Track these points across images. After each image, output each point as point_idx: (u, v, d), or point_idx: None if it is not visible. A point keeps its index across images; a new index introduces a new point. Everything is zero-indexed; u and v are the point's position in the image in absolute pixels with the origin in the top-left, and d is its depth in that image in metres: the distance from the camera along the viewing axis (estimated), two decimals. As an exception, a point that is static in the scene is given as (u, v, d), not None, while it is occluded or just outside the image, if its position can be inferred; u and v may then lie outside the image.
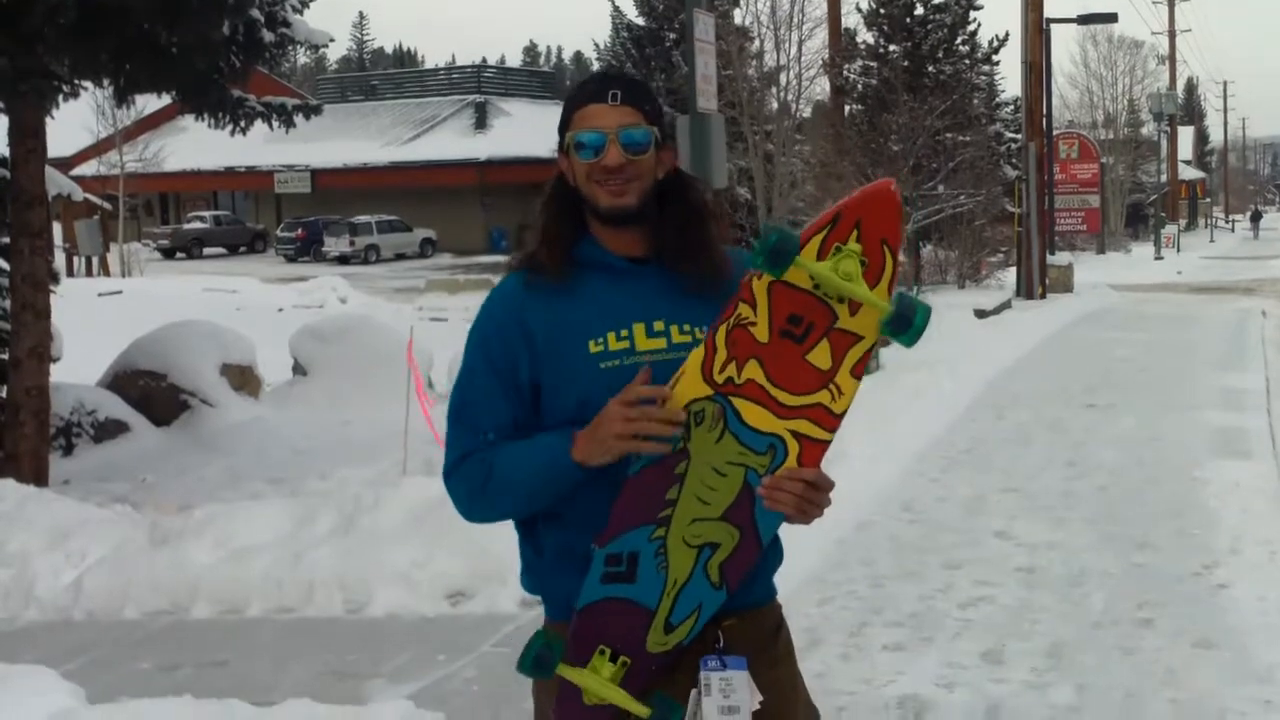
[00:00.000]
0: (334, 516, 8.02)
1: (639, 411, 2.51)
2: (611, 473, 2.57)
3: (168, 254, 54.00)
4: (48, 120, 10.43)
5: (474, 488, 2.70)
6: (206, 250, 55.91)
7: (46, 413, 10.41)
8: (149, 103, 17.54)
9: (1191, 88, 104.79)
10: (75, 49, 9.70)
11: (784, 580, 2.84)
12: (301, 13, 11.21)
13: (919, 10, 32.03)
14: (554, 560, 2.70)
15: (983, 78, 34.99)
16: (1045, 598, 7.26)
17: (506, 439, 2.68)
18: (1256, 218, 77.08)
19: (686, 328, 2.66)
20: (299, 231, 53.82)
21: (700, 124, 12.70)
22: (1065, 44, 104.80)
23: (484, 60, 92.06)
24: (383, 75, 77.59)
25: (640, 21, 36.47)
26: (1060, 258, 30.73)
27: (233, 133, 11.73)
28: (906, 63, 30.34)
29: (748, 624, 2.71)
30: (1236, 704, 5.67)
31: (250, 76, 11.27)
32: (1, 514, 8.29)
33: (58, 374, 11.10)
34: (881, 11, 31.79)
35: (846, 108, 30.57)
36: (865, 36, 32.21)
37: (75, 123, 35.88)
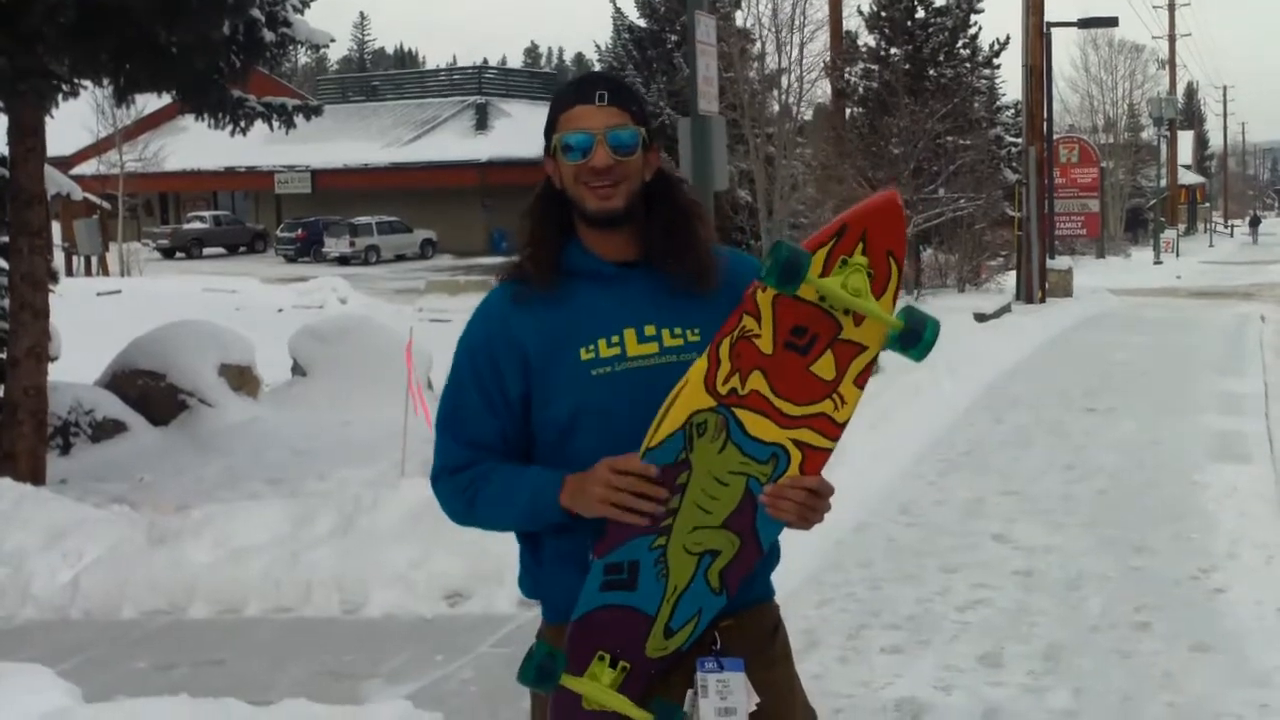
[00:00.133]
0: (332, 517, 8.02)
1: (625, 481, 2.50)
2: None
3: (167, 254, 54.01)
4: (47, 119, 10.42)
5: (457, 509, 2.74)
6: (206, 250, 55.88)
7: (44, 412, 10.40)
8: (149, 102, 17.56)
9: (1191, 92, 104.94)
10: (75, 48, 9.70)
11: (782, 582, 2.84)
12: (302, 13, 11.21)
13: (920, 14, 32.04)
14: (553, 563, 2.69)
15: (983, 81, 35.00)
16: (1043, 601, 7.25)
17: (494, 455, 2.68)
18: (1255, 223, 77.19)
19: (678, 331, 2.65)
20: (299, 232, 53.81)
21: (701, 126, 12.70)
22: (1066, 48, 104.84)
23: (485, 61, 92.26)
24: (383, 76, 77.57)
25: (642, 23, 36.51)
26: (1060, 262, 30.73)
27: (233, 133, 11.73)
28: (907, 66, 30.36)
29: (745, 625, 2.70)
30: (1233, 707, 5.67)
31: (250, 76, 11.28)
32: (-1, 513, 8.29)
33: (56, 373, 11.09)
34: (883, 15, 31.80)
35: (847, 111, 30.61)
36: (866, 39, 32.25)
37: (75, 122, 35.89)
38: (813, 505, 2.56)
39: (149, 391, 12.78)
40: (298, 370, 14.49)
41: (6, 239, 10.36)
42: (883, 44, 31.97)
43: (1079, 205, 41.77)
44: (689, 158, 12.72)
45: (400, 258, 52.83)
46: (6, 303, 10.39)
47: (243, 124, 11.53)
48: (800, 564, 7.48)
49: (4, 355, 10.44)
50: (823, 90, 29.47)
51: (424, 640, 6.80)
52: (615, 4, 37.06)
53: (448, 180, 54.64)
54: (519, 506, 2.63)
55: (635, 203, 2.66)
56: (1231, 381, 15.54)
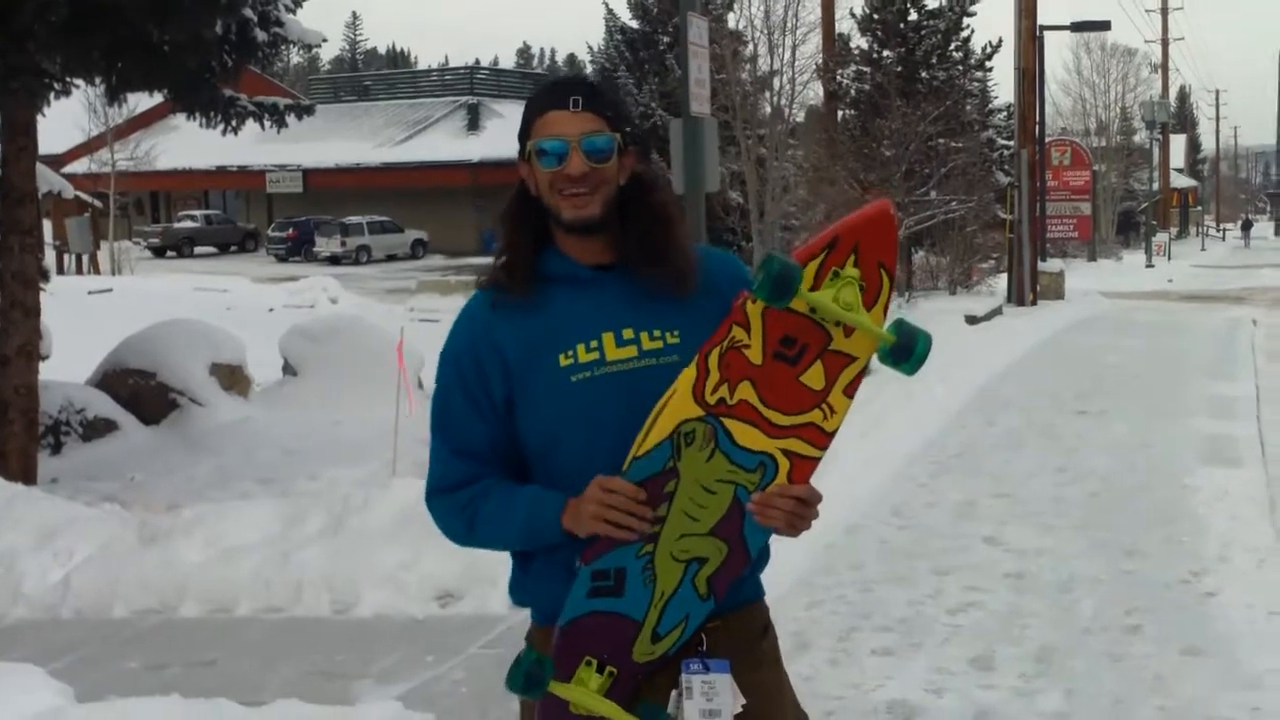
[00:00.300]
0: (323, 517, 8.01)
1: (617, 500, 2.51)
2: None
3: (158, 252, 53.97)
4: (39, 118, 10.41)
5: (456, 529, 2.74)
6: (197, 249, 55.82)
7: (35, 411, 10.38)
8: (140, 101, 17.48)
9: (1184, 96, 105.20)
10: (67, 46, 9.69)
11: (772, 584, 2.84)
12: (294, 12, 11.21)
13: (913, 16, 32.02)
14: (541, 568, 2.68)
15: (976, 84, 35.00)
16: (1034, 603, 7.26)
17: (485, 464, 2.67)
18: (1247, 226, 77.37)
19: (657, 333, 2.63)
20: (290, 231, 53.74)
21: (693, 128, 12.70)
22: (1059, 51, 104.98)
23: (477, 61, 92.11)
24: (375, 76, 77.57)
25: (634, 24, 36.51)
26: (1052, 264, 30.76)
27: (224, 132, 11.71)
28: (900, 68, 30.33)
29: (732, 626, 2.69)
30: (1225, 711, 5.68)
31: (242, 76, 11.27)
32: (-10, 512, 8.27)
33: (47, 372, 11.07)
34: (875, 17, 31.79)
35: (840, 113, 30.60)
36: (859, 42, 32.23)
37: (67, 120, 35.88)
38: (801, 513, 2.56)
39: (140, 390, 12.76)
40: (288, 370, 14.48)
41: (-2, 237, 10.35)
42: (875, 46, 31.96)
43: (1071, 208, 41.81)
44: (680, 159, 12.73)
45: (391, 258, 52.79)
46: (-2, 301, 10.37)
47: (234, 123, 11.52)
48: (791, 566, 7.48)
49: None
50: (815, 92, 29.44)
51: (415, 641, 6.80)
52: (607, 5, 37.07)
53: (439, 180, 54.67)
54: (516, 525, 2.63)
55: (611, 209, 2.65)
56: (1223, 385, 15.55)
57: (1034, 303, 27.19)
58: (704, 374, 2.53)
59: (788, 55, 26.25)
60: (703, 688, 2.60)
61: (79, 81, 11.31)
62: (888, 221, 2.51)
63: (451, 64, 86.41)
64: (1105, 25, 33.35)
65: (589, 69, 48.62)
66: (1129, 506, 9.52)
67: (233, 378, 13.59)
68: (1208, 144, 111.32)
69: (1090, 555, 8.21)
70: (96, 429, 12.06)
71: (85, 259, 38.10)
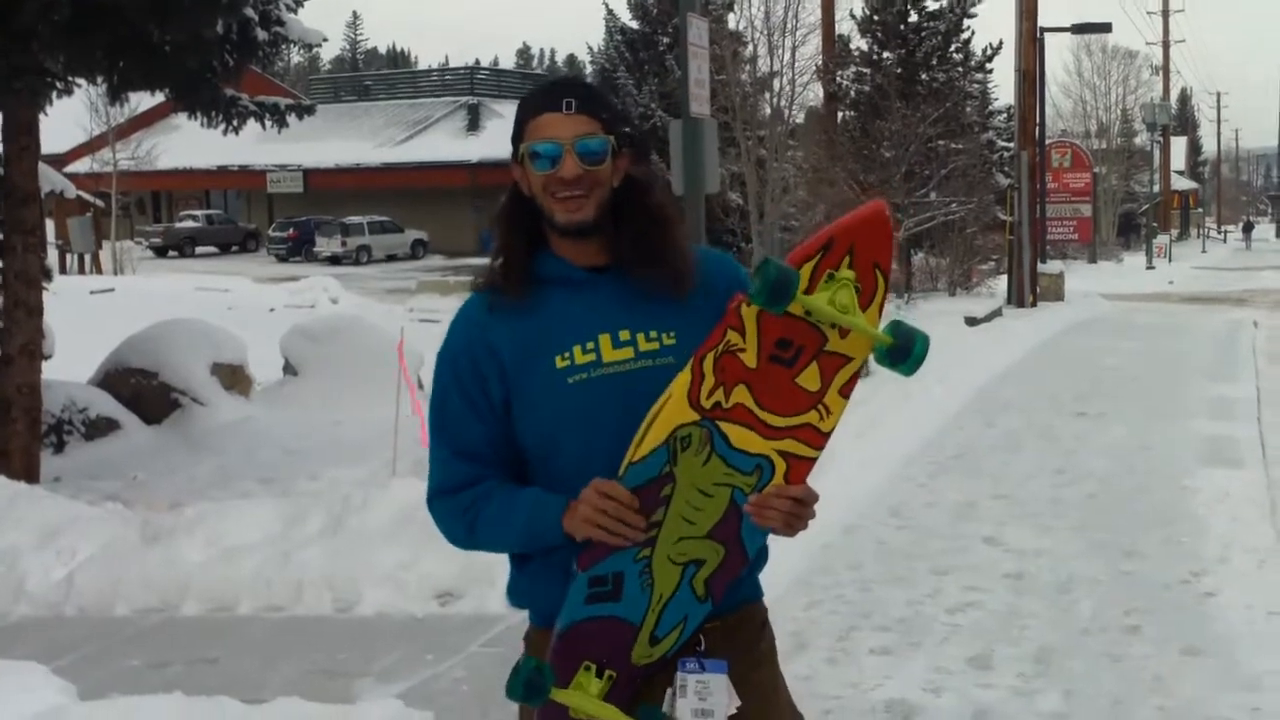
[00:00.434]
0: (324, 516, 8.03)
1: (610, 506, 2.51)
2: None
3: (160, 252, 53.99)
4: (41, 117, 10.42)
5: (457, 532, 2.73)
6: (199, 249, 55.84)
7: (38, 410, 10.40)
8: (142, 100, 17.50)
9: (1185, 98, 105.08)
10: (69, 46, 9.70)
11: (770, 584, 2.85)
12: (295, 12, 11.21)
13: (913, 18, 32.05)
14: (539, 570, 2.69)
15: (976, 86, 35.03)
16: (1033, 604, 7.27)
17: (485, 465, 2.68)
18: (1248, 228, 77.36)
19: (653, 334, 2.63)
20: (291, 231, 53.74)
21: (693, 129, 12.71)
22: (1059, 53, 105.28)
23: (477, 62, 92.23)
24: (376, 76, 77.55)
25: (634, 25, 36.56)
26: (1052, 266, 30.76)
27: (225, 132, 11.71)
28: (900, 70, 30.37)
29: (730, 626, 2.69)
30: (1224, 711, 5.69)
31: (243, 75, 11.27)
32: (-8, 511, 8.29)
33: (49, 371, 11.08)
34: (875, 18, 31.82)
35: (839, 114, 30.62)
36: (859, 43, 32.27)
37: (69, 119, 35.85)
38: (798, 513, 2.56)
39: (142, 390, 12.77)
40: (289, 369, 14.49)
41: (1, 236, 10.35)
42: (875, 48, 31.99)
43: (1071, 210, 41.84)
44: (680, 160, 12.73)
45: (391, 258, 52.79)
46: (0, 300, 10.38)
47: (235, 123, 11.52)
48: (789, 566, 7.50)
49: (-2, 353, 10.43)
50: (815, 93, 29.46)
51: (415, 639, 6.82)
52: (607, 6, 37.11)
53: (439, 180, 54.67)
54: (517, 528, 2.63)
55: (605, 211, 2.64)
56: (1223, 387, 15.57)
57: (1034, 304, 27.21)
58: (699, 378, 2.53)
59: (787, 56, 26.31)
60: (696, 686, 2.60)
61: (81, 81, 11.33)
62: (882, 222, 2.51)
63: (451, 64, 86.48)
64: (1106, 27, 33.33)
65: (589, 69, 48.68)
66: (1128, 508, 9.54)
67: (234, 377, 13.61)
68: (1209, 146, 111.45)
69: (1089, 556, 8.22)
70: (99, 428, 12.08)
71: (87, 259, 38.14)
